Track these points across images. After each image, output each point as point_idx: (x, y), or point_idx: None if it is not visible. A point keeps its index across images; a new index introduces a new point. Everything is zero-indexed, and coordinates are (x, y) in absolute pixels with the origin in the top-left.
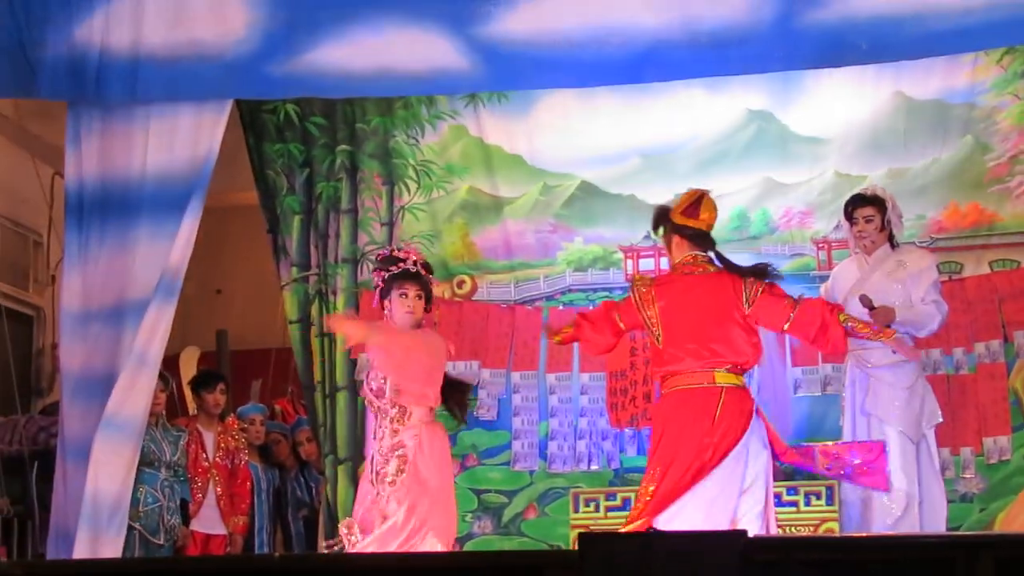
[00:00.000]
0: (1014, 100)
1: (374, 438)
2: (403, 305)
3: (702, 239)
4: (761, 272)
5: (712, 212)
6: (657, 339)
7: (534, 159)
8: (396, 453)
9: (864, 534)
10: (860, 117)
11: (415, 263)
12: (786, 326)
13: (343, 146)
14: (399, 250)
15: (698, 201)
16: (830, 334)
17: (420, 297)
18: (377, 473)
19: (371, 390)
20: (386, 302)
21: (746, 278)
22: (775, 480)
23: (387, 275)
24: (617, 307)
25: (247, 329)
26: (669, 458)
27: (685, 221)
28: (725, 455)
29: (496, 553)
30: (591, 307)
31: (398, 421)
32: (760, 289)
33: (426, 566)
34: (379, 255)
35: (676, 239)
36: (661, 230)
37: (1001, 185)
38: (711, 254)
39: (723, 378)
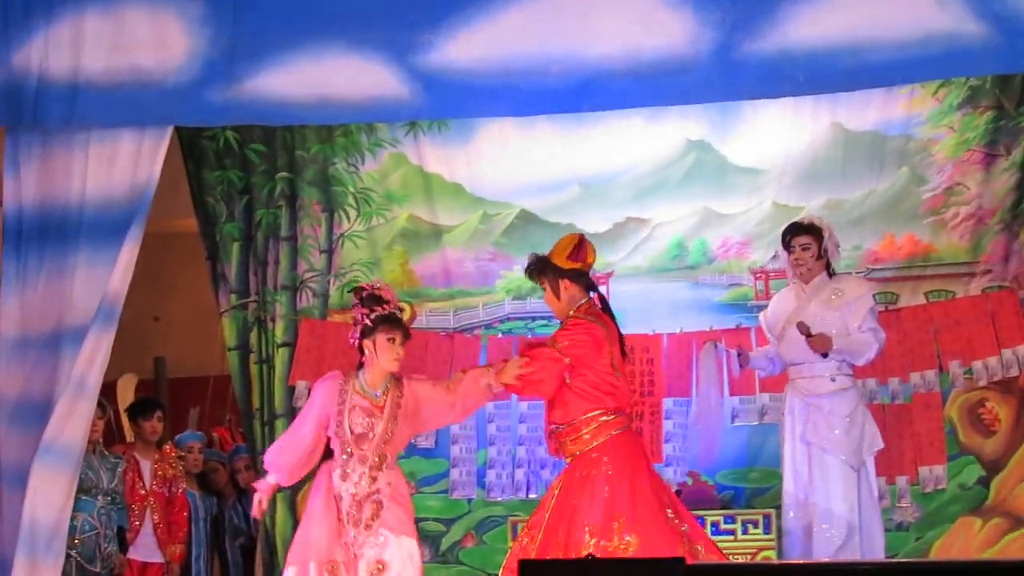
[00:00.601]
0: (949, 132)
1: (342, 479)
2: (391, 351)
3: (589, 283)
4: None
5: (594, 255)
6: (616, 372)
7: (474, 187)
8: (372, 498)
9: (802, 560)
10: (798, 148)
11: (400, 308)
12: None
13: (283, 173)
14: (378, 288)
15: (580, 245)
16: None
17: (404, 344)
18: (349, 514)
19: (352, 434)
20: (367, 341)
21: None
22: (712, 509)
23: (374, 316)
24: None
25: (185, 357)
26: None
27: (572, 265)
28: None
29: None
30: (530, 335)
31: (376, 468)
32: None
33: None
34: (361, 291)
35: (565, 283)
36: (543, 278)
37: (936, 217)
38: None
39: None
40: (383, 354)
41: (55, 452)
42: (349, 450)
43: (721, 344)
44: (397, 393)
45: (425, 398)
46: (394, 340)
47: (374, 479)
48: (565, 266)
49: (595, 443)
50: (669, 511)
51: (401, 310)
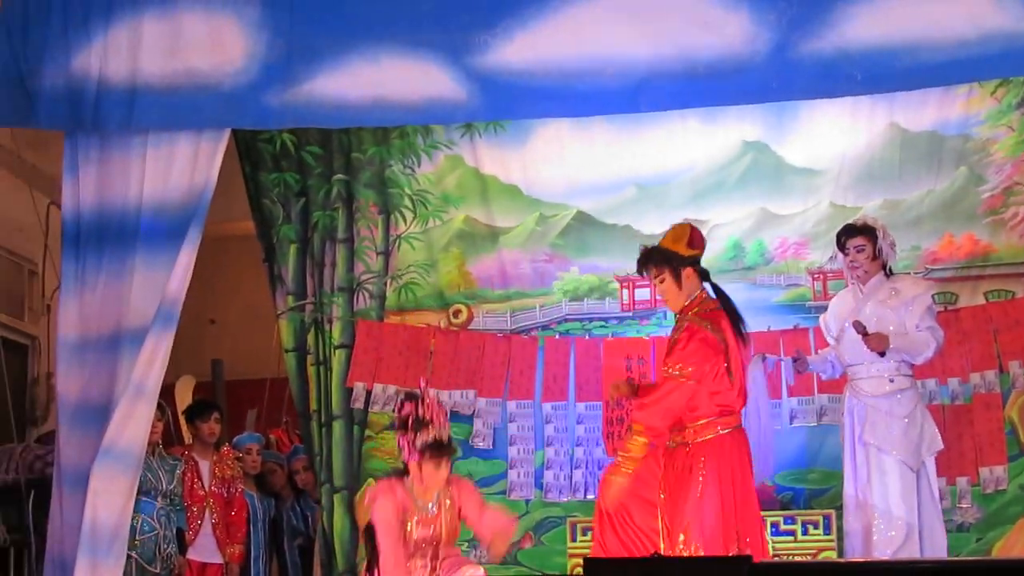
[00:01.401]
0: (1008, 132)
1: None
2: (438, 475)
3: (704, 271)
4: None
5: (704, 245)
6: (730, 375)
7: (530, 189)
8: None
9: (868, 559)
10: (855, 148)
11: (446, 431)
12: None
13: (339, 175)
14: (420, 406)
15: (696, 232)
16: None
17: (451, 465)
18: None
19: (413, 541)
20: (414, 465)
21: None
22: (772, 510)
23: (419, 445)
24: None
25: (241, 359)
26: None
27: (693, 252)
28: None
29: None
30: (587, 336)
31: (436, 557)
32: None
33: None
34: (401, 413)
35: (687, 272)
36: (661, 267)
37: (995, 216)
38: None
39: None
40: (430, 479)
41: (116, 454)
42: (411, 553)
43: (771, 357)
44: (450, 496)
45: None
46: (441, 465)
47: (435, 567)
48: (687, 254)
49: (698, 439)
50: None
51: (444, 422)
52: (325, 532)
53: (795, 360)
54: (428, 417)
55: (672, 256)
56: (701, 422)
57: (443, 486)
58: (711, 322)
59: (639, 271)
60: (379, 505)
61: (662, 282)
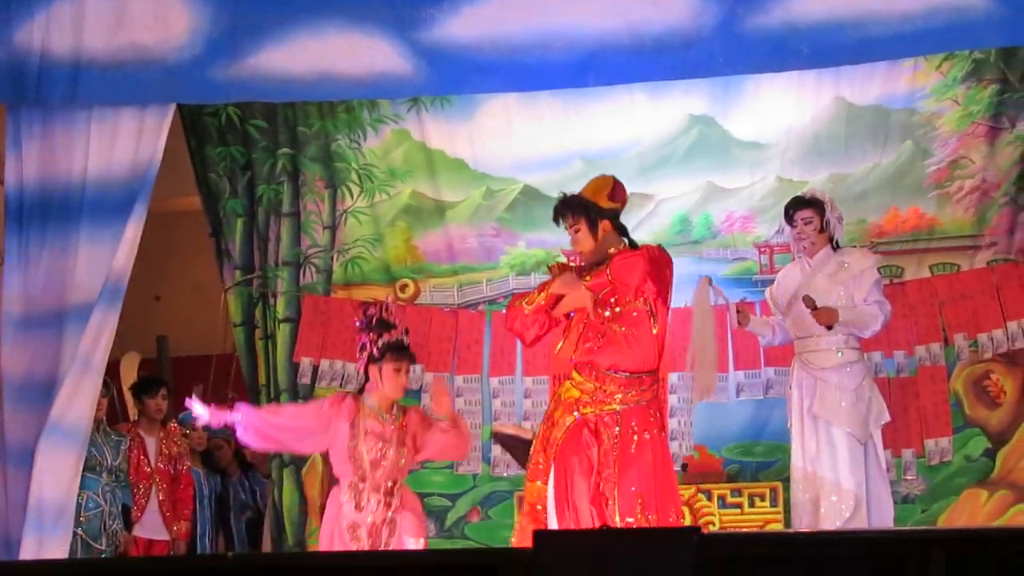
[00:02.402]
0: (953, 105)
1: (356, 509)
2: (398, 380)
3: (623, 226)
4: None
5: (626, 195)
6: (654, 322)
7: (477, 163)
8: (388, 522)
9: (817, 530)
10: (801, 122)
11: (407, 333)
12: None
13: (284, 149)
14: (385, 309)
15: (619, 185)
16: None
17: (409, 372)
18: (370, 543)
19: (366, 460)
20: (374, 368)
21: None
22: (719, 482)
23: (381, 344)
24: None
25: (187, 335)
26: None
27: (613, 205)
28: None
29: (452, 552)
30: None
31: (389, 493)
32: None
33: (383, 565)
34: (366, 313)
35: (605, 224)
36: (580, 217)
37: (941, 190)
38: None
39: None
40: (389, 383)
41: (62, 431)
42: (362, 476)
43: (719, 289)
44: (404, 419)
45: (426, 434)
46: (400, 369)
47: (388, 504)
48: (606, 206)
49: (627, 406)
50: None
51: (407, 334)
52: (276, 506)
53: (738, 311)
54: (394, 321)
55: (590, 206)
56: (631, 393)
57: (400, 393)
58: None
59: (555, 219)
60: (331, 400)
61: (576, 231)
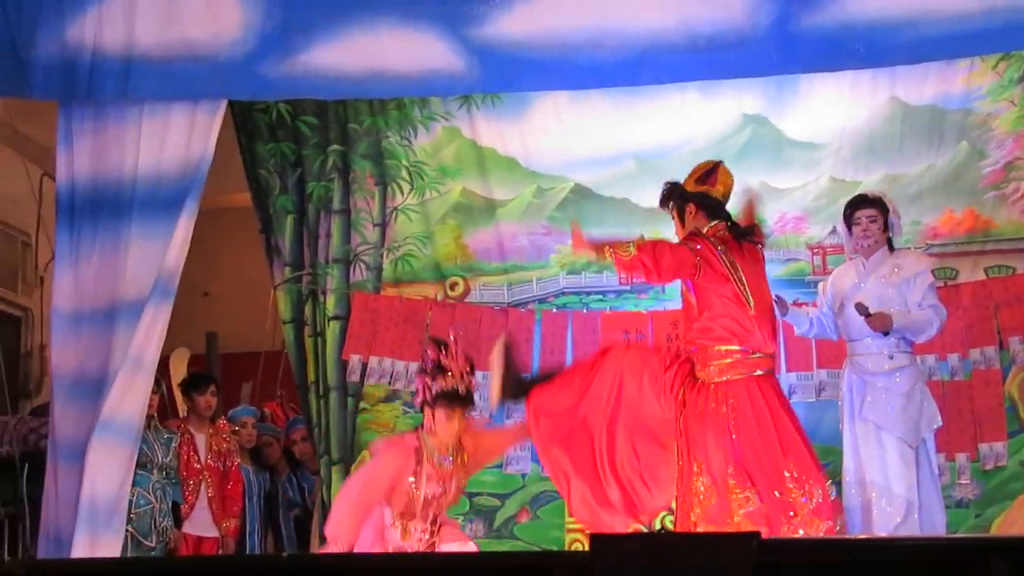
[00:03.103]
0: (1009, 106)
1: (402, 536)
2: (450, 427)
3: (717, 210)
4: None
5: (728, 182)
6: (748, 303)
7: (528, 161)
8: (431, 544)
9: (874, 536)
10: (855, 122)
11: (465, 383)
12: None
13: (335, 146)
14: (443, 350)
15: (713, 170)
16: None
17: (465, 416)
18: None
19: (423, 501)
20: (429, 411)
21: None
22: None
23: (435, 392)
24: (687, 250)
25: (236, 332)
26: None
27: (699, 188)
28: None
29: (506, 554)
30: (585, 310)
31: (435, 523)
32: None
33: (434, 566)
34: (426, 357)
35: (691, 208)
36: (671, 204)
37: (996, 191)
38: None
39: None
40: (441, 429)
41: (114, 428)
42: (414, 513)
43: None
44: (462, 454)
45: (488, 446)
46: (453, 417)
47: (433, 532)
48: (692, 189)
49: (723, 378)
50: None
51: (466, 374)
52: (324, 504)
53: (777, 299)
54: (450, 367)
55: (675, 191)
56: (726, 361)
57: (456, 442)
58: (722, 242)
59: (660, 206)
60: (381, 458)
61: (672, 215)
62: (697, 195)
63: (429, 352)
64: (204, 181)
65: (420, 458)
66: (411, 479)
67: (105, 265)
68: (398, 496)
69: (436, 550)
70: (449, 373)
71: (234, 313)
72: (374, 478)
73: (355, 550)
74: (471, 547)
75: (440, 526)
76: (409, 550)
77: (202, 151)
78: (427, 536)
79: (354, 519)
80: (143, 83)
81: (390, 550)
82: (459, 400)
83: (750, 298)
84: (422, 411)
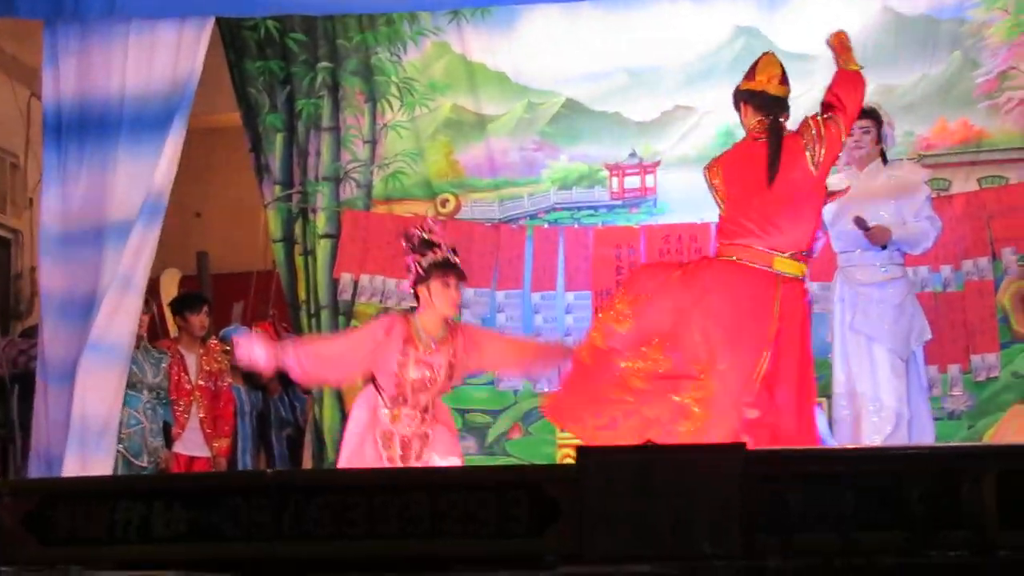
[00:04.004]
0: (1003, 15)
1: (391, 420)
2: (447, 296)
3: (766, 103)
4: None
5: (769, 72)
6: (720, 207)
7: (518, 76)
8: (419, 434)
9: (866, 446)
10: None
11: (453, 251)
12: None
13: (324, 63)
14: (427, 230)
15: (755, 64)
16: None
17: (459, 286)
18: (401, 454)
19: (410, 384)
20: (422, 288)
21: (804, 133)
22: None
23: (426, 263)
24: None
25: (227, 252)
26: (713, 339)
27: (745, 86)
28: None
29: (496, 468)
30: (576, 225)
31: (426, 410)
32: (821, 147)
33: (424, 482)
34: (408, 234)
35: (743, 107)
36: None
37: (990, 101)
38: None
39: (783, 265)
40: (439, 300)
41: (104, 348)
42: (405, 398)
43: None
44: (453, 343)
45: (489, 349)
46: (449, 284)
47: (424, 420)
48: (742, 87)
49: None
50: None
51: (454, 251)
52: (316, 423)
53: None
54: (436, 240)
55: (734, 94)
56: (786, 254)
57: (454, 310)
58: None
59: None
60: (381, 323)
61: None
62: (744, 93)
63: (412, 231)
64: (192, 100)
65: (407, 339)
66: (398, 358)
67: (93, 185)
68: (385, 377)
69: (426, 437)
70: (438, 246)
71: (225, 233)
72: (356, 337)
73: (347, 426)
74: (455, 460)
75: (434, 413)
76: (398, 436)
77: (190, 69)
78: (417, 422)
79: (318, 365)
80: (129, 1)
81: (378, 433)
82: (453, 268)
83: (722, 203)
84: (415, 294)
